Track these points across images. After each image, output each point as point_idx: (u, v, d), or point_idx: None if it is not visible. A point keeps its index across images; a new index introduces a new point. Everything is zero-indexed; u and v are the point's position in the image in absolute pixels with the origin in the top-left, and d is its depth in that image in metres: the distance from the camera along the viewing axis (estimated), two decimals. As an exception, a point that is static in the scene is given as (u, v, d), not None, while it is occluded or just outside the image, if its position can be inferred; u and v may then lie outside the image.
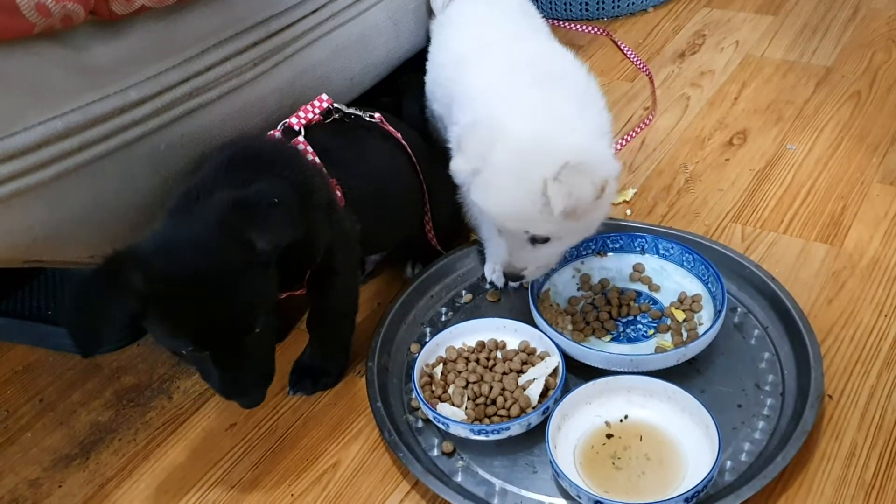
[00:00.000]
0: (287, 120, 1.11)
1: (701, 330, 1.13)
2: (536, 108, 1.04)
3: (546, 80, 1.08)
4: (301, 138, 1.08)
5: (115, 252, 0.89)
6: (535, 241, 1.04)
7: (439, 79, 1.31)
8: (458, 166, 1.03)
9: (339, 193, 1.09)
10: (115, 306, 0.87)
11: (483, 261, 1.29)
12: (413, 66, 1.48)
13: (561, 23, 1.99)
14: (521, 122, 1.02)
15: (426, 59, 1.40)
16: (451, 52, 1.30)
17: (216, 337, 0.91)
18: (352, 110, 1.18)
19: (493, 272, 1.26)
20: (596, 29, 1.96)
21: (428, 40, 1.46)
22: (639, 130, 1.61)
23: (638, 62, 1.83)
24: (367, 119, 1.19)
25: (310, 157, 1.08)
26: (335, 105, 1.16)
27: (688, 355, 1.07)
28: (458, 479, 1.02)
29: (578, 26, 1.96)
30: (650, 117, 1.65)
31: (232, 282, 0.89)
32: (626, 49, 1.88)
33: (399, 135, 1.22)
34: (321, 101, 1.14)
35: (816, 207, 1.40)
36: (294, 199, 0.95)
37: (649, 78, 1.79)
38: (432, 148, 1.33)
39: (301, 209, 0.96)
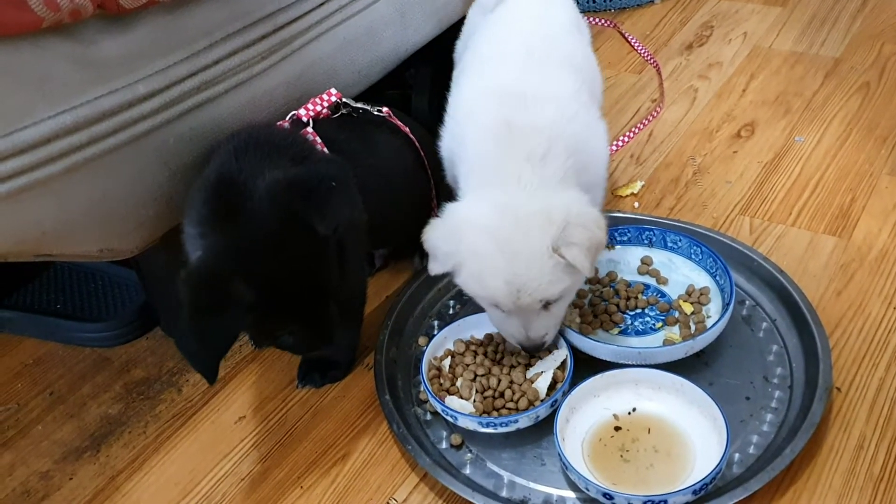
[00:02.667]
0: (295, 112, 1.11)
1: (709, 323, 1.12)
2: (500, 172, 1.01)
3: (513, 127, 1.03)
4: (309, 129, 1.09)
5: (205, 273, 0.91)
6: (548, 304, 1.00)
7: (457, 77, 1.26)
8: (435, 271, 1.01)
9: None
10: (234, 327, 0.91)
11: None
12: (421, 59, 1.48)
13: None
14: (489, 199, 0.99)
15: (435, 52, 1.40)
16: (476, 54, 1.23)
17: (312, 314, 0.96)
18: (360, 105, 1.18)
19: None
20: (603, 21, 1.96)
21: (438, 32, 1.45)
22: (646, 123, 1.61)
23: (645, 54, 1.83)
24: (375, 114, 1.19)
25: (318, 147, 1.08)
26: (343, 100, 1.16)
27: (696, 348, 1.07)
28: (467, 471, 1.02)
29: (586, 18, 1.96)
30: (658, 109, 1.65)
31: (315, 263, 0.94)
32: (633, 41, 1.88)
33: (407, 129, 1.22)
34: (329, 94, 1.14)
35: (825, 200, 1.39)
36: (349, 176, 0.98)
37: (657, 70, 1.78)
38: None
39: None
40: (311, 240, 0.93)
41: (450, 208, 1.02)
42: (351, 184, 0.99)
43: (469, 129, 1.07)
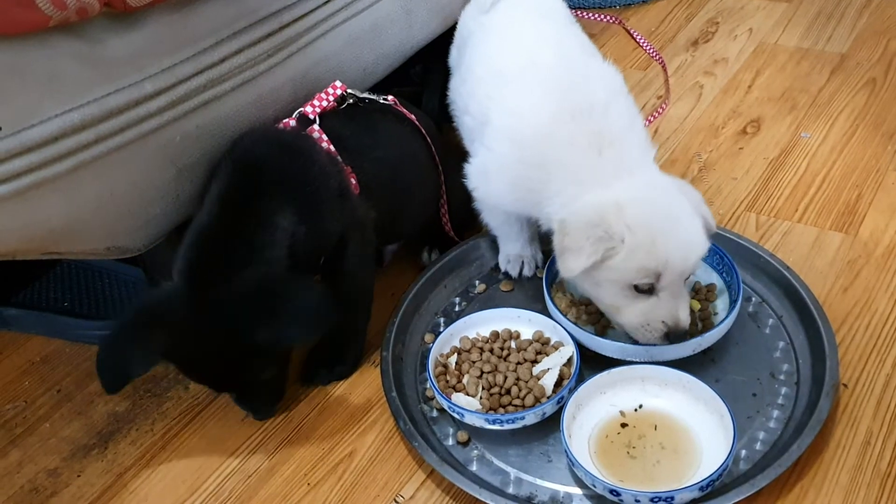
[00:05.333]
0: (302, 108, 1.11)
1: (716, 319, 1.12)
2: (611, 157, 1.04)
3: (592, 113, 1.07)
4: (316, 126, 1.09)
5: (142, 316, 1.00)
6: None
7: (475, 92, 1.19)
8: (580, 265, 0.99)
9: (353, 181, 1.09)
10: (142, 364, 1.01)
11: (496, 251, 1.29)
12: (425, 56, 1.48)
13: (573, 11, 1.97)
14: (620, 185, 1.03)
15: (449, 57, 1.39)
16: (492, 65, 1.19)
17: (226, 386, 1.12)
18: (365, 94, 1.18)
19: (506, 262, 1.26)
20: (608, 17, 1.95)
21: (443, 30, 1.45)
22: (652, 119, 1.61)
23: (651, 50, 1.83)
24: (381, 102, 1.19)
25: (324, 145, 1.08)
26: (349, 91, 1.16)
27: (703, 345, 1.07)
28: (473, 468, 1.02)
29: (591, 14, 1.95)
30: (663, 106, 1.64)
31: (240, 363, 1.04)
32: (638, 37, 1.88)
33: (413, 116, 1.22)
34: (335, 87, 1.14)
35: (831, 196, 1.39)
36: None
37: (662, 66, 1.78)
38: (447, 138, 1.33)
39: (313, 201, 1.01)
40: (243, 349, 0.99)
41: (583, 204, 1.02)
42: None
43: (555, 153, 1.06)
